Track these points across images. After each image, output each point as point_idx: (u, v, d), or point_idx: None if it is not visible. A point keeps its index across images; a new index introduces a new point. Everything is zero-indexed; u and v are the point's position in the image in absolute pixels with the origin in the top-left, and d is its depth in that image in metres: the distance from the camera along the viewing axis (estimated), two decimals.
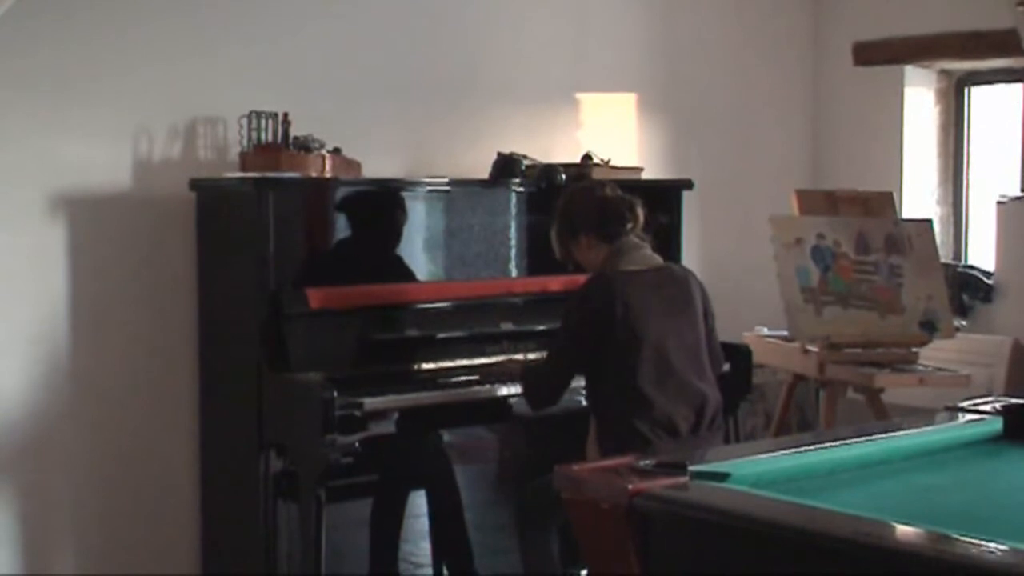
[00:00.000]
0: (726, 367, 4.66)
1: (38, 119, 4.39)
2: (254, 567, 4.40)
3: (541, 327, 4.78)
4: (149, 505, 4.67)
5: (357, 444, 4.12)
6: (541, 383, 4.17)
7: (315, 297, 4.36)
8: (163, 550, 4.70)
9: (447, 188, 4.92)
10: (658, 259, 4.20)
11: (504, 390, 4.49)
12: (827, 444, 3.19)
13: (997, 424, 3.41)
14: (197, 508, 4.72)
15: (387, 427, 4.28)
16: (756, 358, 5.07)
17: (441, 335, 4.64)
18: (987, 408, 3.55)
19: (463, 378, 4.54)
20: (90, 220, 4.51)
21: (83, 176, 4.49)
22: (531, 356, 4.69)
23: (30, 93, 4.37)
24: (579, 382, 4.19)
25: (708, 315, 4.21)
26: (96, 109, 4.50)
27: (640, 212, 4.17)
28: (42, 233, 4.43)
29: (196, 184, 4.58)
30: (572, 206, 4.22)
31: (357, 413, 4.11)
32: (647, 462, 2.83)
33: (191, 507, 4.72)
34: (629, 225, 4.13)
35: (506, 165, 5.01)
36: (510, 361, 4.59)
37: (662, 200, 5.25)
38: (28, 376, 4.42)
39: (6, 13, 4.05)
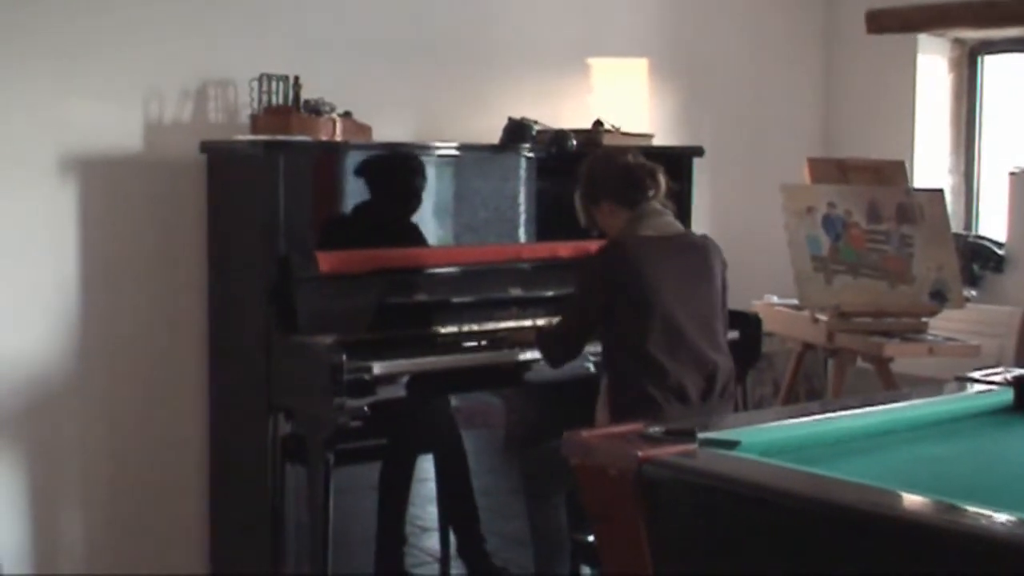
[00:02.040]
0: (735, 334, 4.68)
1: (48, 82, 4.39)
2: (262, 529, 4.41)
3: (550, 293, 4.78)
4: (158, 467, 4.69)
5: (366, 408, 4.12)
6: (556, 343, 4.18)
7: (325, 261, 4.35)
8: (171, 512, 4.72)
9: (457, 153, 4.91)
10: (678, 226, 4.20)
11: (514, 355, 4.48)
12: (836, 413, 3.18)
13: (1007, 395, 3.40)
14: (206, 471, 4.73)
15: (396, 391, 4.29)
16: (765, 326, 5.06)
17: (450, 300, 4.63)
18: (997, 379, 3.53)
19: (472, 343, 4.54)
20: (101, 183, 4.51)
21: (94, 139, 4.49)
22: (540, 322, 4.69)
23: (40, 56, 4.36)
24: (592, 347, 4.20)
25: (724, 286, 4.21)
26: (106, 72, 4.49)
27: (662, 179, 4.17)
28: (53, 196, 4.43)
29: (207, 147, 4.57)
30: (594, 172, 4.22)
31: (366, 377, 4.11)
32: (656, 429, 2.82)
33: (200, 469, 4.74)
34: (651, 192, 4.13)
35: (516, 130, 4.99)
36: (526, 328, 4.59)
37: (673, 167, 5.17)
38: (39, 338, 4.43)
39: None
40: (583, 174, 4.25)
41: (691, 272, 4.11)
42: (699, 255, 4.16)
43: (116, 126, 4.53)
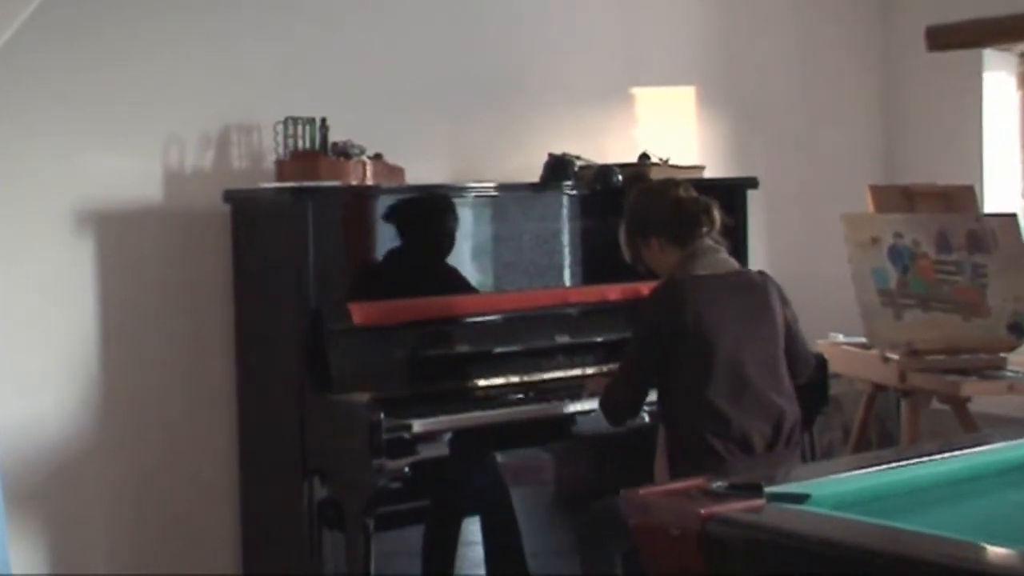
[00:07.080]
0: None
1: (63, 131, 4.44)
2: None
3: (600, 338, 4.78)
4: (187, 534, 4.70)
5: (407, 469, 4.11)
6: (616, 397, 4.16)
7: (358, 312, 4.37)
8: None
9: (496, 193, 4.92)
10: (734, 263, 4.19)
11: (563, 407, 4.48)
12: (912, 460, 3.17)
13: None
14: (238, 539, 4.74)
15: (438, 449, 4.27)
16: (832, 367, 5.03)
17: (493, 350, 4.63)
18: None
19: (518, 395, 4.53)
20: (121, 235, 4.56)
21: (112, 189, 4.53)
22: (590, 370, 4.68)
23: (57, 105, 4.42)
24: (650, 396, 4.18)
25: (790, 320, 4.19)
26: (124, 118, 4.54)
27: (716, 214, 4.15)
28: (71, 249, 4.48)
29: (230, 195, 4.61)
30: (644, 206, 4.20)
31: (406, 436, 4.11)
32: (720, 483, 2.81)
33: (231, 539, 4.75)
34: (704, 228, 4.11)
35: (558, 167, 5.00)
36: (597, 375, 4.58)
37: (726, 200, 5.14)
38: (60, 394, 4.47)
39: (30, 23, 4.09)
40: (630, 207, 4.24)
41: (752, 312, 4.09)
42: (758, 294, 4.14)
43: (134, 175, 4.57)
